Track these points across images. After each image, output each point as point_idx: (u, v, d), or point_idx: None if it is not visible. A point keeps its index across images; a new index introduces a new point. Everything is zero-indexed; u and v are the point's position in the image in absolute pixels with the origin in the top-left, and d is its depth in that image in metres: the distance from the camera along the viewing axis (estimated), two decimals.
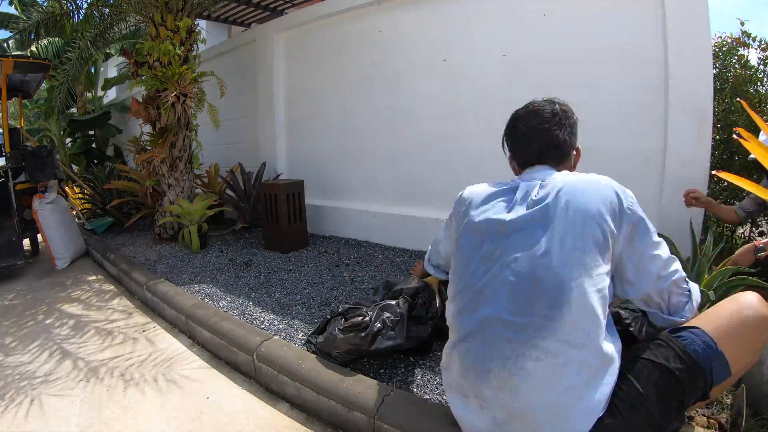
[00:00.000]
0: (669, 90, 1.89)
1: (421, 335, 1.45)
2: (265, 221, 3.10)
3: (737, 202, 1.80)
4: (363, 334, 1.37)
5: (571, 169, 1.07)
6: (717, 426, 1.12)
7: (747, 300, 0.92)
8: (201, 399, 1.49)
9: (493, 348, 0.86)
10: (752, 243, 1.43)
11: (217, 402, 1.47)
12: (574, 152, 1.08)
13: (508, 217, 0.93)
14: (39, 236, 3.39)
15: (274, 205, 2.98)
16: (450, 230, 1.16)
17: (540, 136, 1.03)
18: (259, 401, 1.47)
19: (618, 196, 0.91)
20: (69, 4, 3.34)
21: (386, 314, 1.42)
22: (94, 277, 2.98)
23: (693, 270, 1.57)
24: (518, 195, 0.97)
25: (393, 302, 1.49)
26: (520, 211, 0.93)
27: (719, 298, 1.47)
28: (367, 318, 1.41)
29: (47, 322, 2.22)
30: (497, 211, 0.96)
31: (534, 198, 0.93)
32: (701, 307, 1.07)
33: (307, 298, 2.14)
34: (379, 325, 1.39)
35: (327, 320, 1.57)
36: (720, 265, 1.54)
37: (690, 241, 1.66)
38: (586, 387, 0.81)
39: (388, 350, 1.40)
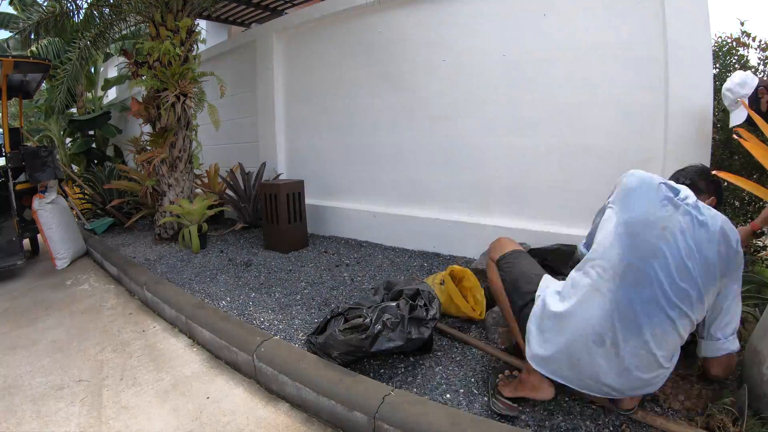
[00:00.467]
0: (669, 90, 1.89)
1: (422, 336, 1.45)
2: (265, 221, 3.10)
3: None
4: (363, 336, 1.37)
5: None
6: (720, 427, 1.12)
7: None
8: (201, 399, 1.49)
9: None
10: (749, 225, 1.57)
11: (218, 402, 1.47)
12: (707, 198, 1.29)
13: None
14: (39, 236, 3.39)
15: (274, 204, 2.98)
16: None
17: (685, 169, 1.38)
18: (259, 401, 1.47)
19: None
20: (69, 4, 3.34)
21: (387, 315, 1.42)
22: (94, 277, 2.98)
23: None
24: None
25: (393, 303, 1.48)
26: None
27: None
28: (368, 320, 1.41)
29: (47, 322, 2.22)
30: None
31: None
32: None
33: (307, 298, 2.14)
34: (379, 326, 1.38)
35: (327, 320, 1.57)
36: None
37: None
38: None
39: (388, 352, 1.40)
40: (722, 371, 1.20)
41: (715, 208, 1.20)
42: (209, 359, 1.76)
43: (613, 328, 1.03)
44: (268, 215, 3.05)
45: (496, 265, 1.41)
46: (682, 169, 1.38)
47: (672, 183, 1.15)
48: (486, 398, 1.29)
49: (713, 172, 1.36)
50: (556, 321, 1.11)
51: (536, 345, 1.14)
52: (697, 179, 1.31)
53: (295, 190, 3.04)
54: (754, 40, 2.26)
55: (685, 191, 1.12)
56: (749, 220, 2.20)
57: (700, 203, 1.10)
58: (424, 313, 1.47)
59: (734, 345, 1.13)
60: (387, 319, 1.40)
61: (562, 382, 1.11)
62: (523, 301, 1.24)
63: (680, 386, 1.29)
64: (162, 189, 3.44)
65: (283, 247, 3.01)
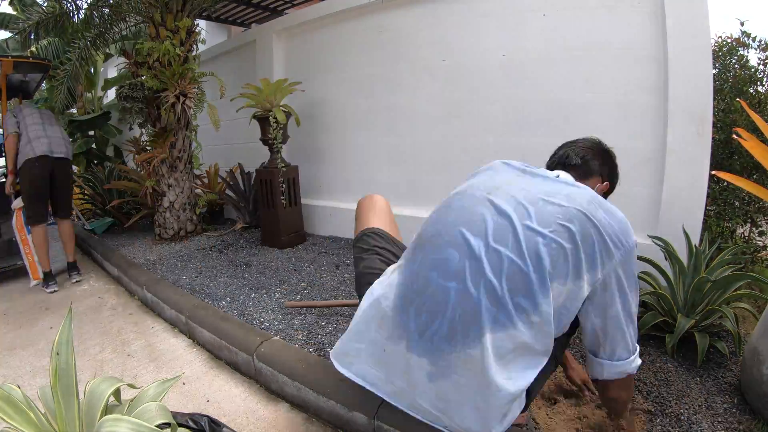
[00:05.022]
0: (669, 90, 1.89)
1: None
2: (262, 207, 3.15)
3: None
4: None
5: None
6: None
7: None
8: (201, 399, 1.49)
9: None
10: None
11: (218, 402, 1.47)
12: (599, 182, 1.13)
13: None
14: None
15: (269, 189, 3.04)
16: None
17: (573, 145, 1.16)
18: (259, 401, 1.47)
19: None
20: (69, 5, 3.34)
21: None
22: (94, 277, 2.98)
23: (690, 269, 1.58)
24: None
25: None
26: None
27: (720, 293, 1.49)
28: None
29: (47, 322, 2.22)
30: None
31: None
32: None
33: (307, 298, 2.14)
34: None
35: None
36: (715, 261, 1.56)
37: (685, 242, 1.67)
38: None
39: None
40: (625, 392, 1.02)
41: (605, 196, 1.11)
42: (209, 359, 1.76)
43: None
44: (264, 200, 3.10)
45: (353, 244, 1.28)
46: (572, 143, 1.18)
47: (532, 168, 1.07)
48: None
49: (713, 172, 1.34)
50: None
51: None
52: (590, 158, 1.12)
53: (290, 176, 3.10)
54: (754, 40, 2.27)
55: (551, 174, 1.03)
56: (749, 220, 2.21)
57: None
58: None
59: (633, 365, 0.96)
60: None
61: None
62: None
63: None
64: (162, 189, 3.44)
65: (281, 241, 3.04)
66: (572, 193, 0.93)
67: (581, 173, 1.11)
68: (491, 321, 0.85)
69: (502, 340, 0.85)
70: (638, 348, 0.97)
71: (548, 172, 1.08)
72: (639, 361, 0.97)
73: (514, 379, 0.87)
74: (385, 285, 1.03)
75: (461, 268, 0.88)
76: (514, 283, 0.85)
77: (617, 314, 0.90)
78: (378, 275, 1.11)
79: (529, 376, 0.88)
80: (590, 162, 1.12)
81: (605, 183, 1.15)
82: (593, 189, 1.04)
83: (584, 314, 0.92)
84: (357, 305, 1.15)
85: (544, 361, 0.90)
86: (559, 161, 1.16)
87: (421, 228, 1.06)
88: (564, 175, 1.07)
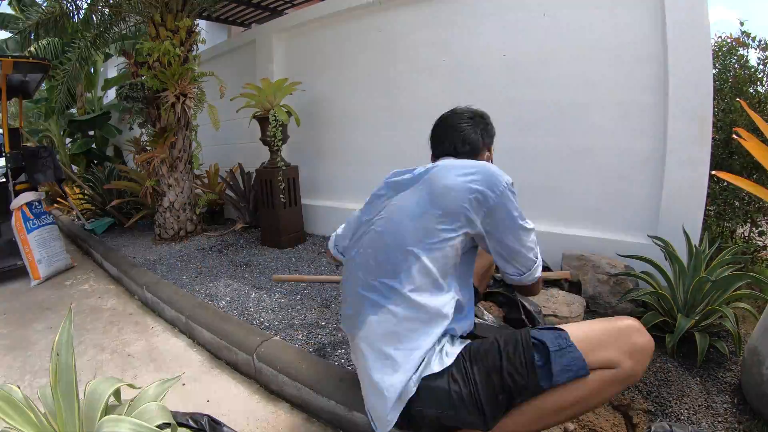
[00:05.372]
0: (669, 90, 1.89)
1: None
2: (262, 207, 3.15)
3: None
4: None
5: None
6: None
7: (625, 321, 0.94)
8: (201, 399, 1.48)
9: None
10: None
11: (218, 402, 1.47)
12: (487, 152, 1.21)
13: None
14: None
15: (269, 189, 3.04)
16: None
17: (454, 132, 1.18)
18: (259, 401, 1.47)
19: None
20: (69, 5, 3.34)
21: None
22: (94, 278, 2.98)
23: (690, 269, 1.58)
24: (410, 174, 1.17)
25: None
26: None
27: (720, 293, 1.49)
28: None
29: (47, 322, 2.22)
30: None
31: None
32: None
33: (307, 298, 2.14)
34: None
35: None
36: (715, 261, 1.56)
37: (685, 242, 1.67)
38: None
39: None
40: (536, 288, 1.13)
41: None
42: (209, 359, 1.76)
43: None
44: (264, 200, 3.10)
45: None
46: (452, 129, 1.21)
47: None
48: None
49: (713, 172, 1.34)
50: None
51: None
52: (475, 138, 1.18)
53: (290, 176, 3.10)
54: (753, 40, 2.27)
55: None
56: (749, 220, 2.21)
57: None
58: None
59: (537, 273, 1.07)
60: None
61: None
62: None
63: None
64: (162, 189, 3.44)
65: (280, 241, 3.04)
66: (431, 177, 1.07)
67: (471, 156, 1.17)
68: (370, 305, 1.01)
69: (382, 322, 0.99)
70: (538, 260, 1.07)
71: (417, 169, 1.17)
72: (539, 272, 1.08)
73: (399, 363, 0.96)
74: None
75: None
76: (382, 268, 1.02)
77: (512, 243, 1.02)
78: None
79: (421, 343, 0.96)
80: (476, 142, 1.18)
81: (490, 152, 1.24)
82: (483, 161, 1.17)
83: (490, 250, 1.04)
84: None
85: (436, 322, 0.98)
86: (447, 152, 1.20)
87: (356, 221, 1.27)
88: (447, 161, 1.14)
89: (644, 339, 0.90)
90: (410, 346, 0.95)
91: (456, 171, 1.02)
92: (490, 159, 1.22)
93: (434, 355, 0.95)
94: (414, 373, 0.93)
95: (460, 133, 1.17)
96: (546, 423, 0.92)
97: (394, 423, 0.95)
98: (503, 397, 0.89)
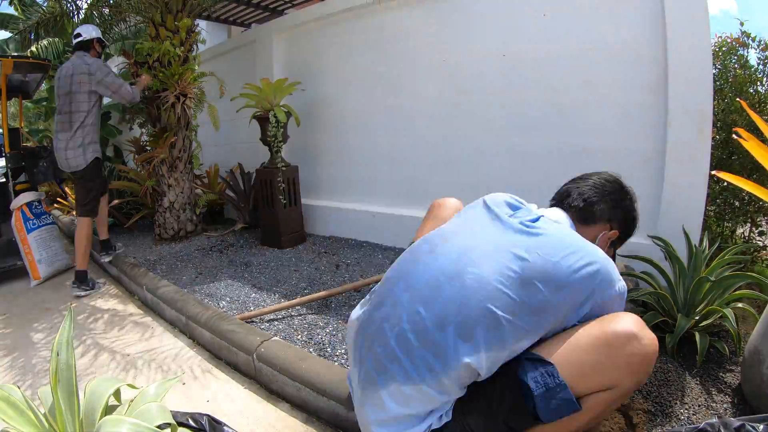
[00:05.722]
0: (669, 90, 1.89)
1: None
2: (262, 207, 3.15)
3: None
4: None
5: (593, 240, 0.96)
6: None
7: (620, 327, 0.84)
8: (201, 400, 1.48)
9: None
10: None
11: (218, 402, 1.47)
12: (604, 228, 1.00)
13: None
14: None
15: (269, 189, 3.04)
16: None
17: (582, 186, 1.04)
18: (259, 401, 1.47)
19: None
20: (69, 5, 3.34)
21: None
22: (94, 278, 2.97)
23: (690, 269, 1.58)
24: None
25: None
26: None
27: (720, 293, 1.49)
28: None
29: (47, 323, 2.22)
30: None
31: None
32: None
33: None
34: None
35: None
36: (715, 261, 1.56)
37: (685, 242, 1.67)
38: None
39: None
40: None
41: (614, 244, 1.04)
42: (209, 359, 1.76)
43: None
44: (264, 200, 3.11)
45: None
46: (582, 178, 1.08)
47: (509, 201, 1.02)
48: None
49: (713, 172, 1.33)
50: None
51: None
52: (596, 200, 1.01)
53: (290, 175, 3.10)
54: (753, 40, 2.27)
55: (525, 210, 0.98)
56: (749, 220, 2.21)
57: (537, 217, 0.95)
58: None
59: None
60: None
61: None
62: None
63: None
64: (162, 189, 3.44)
65: (281, 241, 3.04)
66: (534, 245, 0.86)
67: (581, 217, 1.00)
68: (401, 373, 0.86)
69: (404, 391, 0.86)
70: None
71: (528, 212, 0.98)
72: None
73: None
74: (357, 310, 1.06)
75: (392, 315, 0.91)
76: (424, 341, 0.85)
77: None
78: None
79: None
80: (595, 205, 1.00)
81: (613, 231, 1.02)
82: (596, 237, 0.99)
83: None
84: (311, 301, 1.36)
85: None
86: (559, 198, 1.06)
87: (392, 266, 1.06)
88: (555, 214, 0.99)
89: (642, 348, 0.81)
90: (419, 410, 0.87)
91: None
92: (605, 240, 1.02)
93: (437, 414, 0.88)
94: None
95: (584, 186, 1.03)
96: None
97: None
98: None
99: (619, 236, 1.04)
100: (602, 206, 1.00)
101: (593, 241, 0.96)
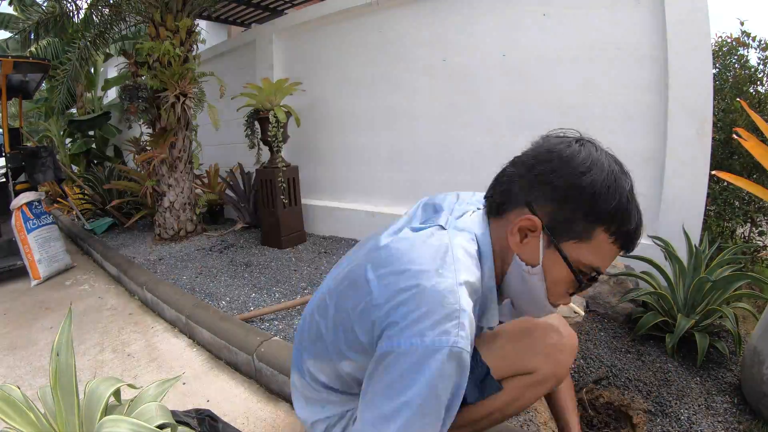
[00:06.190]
0: (669, 90, 1.89)
1: None
2: (263, 207, 3.15)
3: None
4: None
5: (505, 237, 0.71)
6: None
7: (543, 321, 0.87)
8: (201, 400, 1.48)
9: None
10: None
11: (218, 402, 1.47)
12: (520, 220, 0.68)
13: None
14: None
15: (270, 189, 3.05)
16: None
17: (504, 171, 0.76)
18: (259, 401, 1.47)
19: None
20: (69, 5, 3.34)
21: None
22: (94, 277, 2.98)
23: (690, 269, 1.58)
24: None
25: None
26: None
27: (720, 293, 1.49)
28: None
29: (46, 322, 2.22)
30: None
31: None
32: None
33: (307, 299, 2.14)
34: None
35: None
36: (715, 261, 1.56)
37: (685, 242, 1.67)
38: None
39: None
40: None
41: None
42: (209, 359, 1.76)
43: None
44: (265, 200, 3.11)
45: None
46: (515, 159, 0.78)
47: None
48: None
49: (713, 172, 1.33)
50: None
51: None
52: (514, 180, 0.72)
53: (290, 175, 3.11)
54: (753, 40, 2.27)
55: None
56: (749, 220, 2.21)
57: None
58: None
59: None
60: None
61: None
62: None
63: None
64: (162, 189, 3.44)
65: (281, 241, 3.04)
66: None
67: (492, 208, 0.75)
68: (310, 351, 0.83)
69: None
70: None
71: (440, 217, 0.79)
72: None
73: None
74: None
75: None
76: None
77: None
78: None
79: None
80: (511, 185, 0.72)
81: (525, 218, 0.68)
82: (498, 233, 0.73)
83: None
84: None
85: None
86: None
87: None
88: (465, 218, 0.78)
89: (560, 338, 0.85)
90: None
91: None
92: (513, 235, 0.70)
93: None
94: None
95: (503, 176, 0.76)
96: None
97: None
98: None
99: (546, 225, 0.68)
100: (519, 185, 0.70)
101: (504, 240, 0.72)
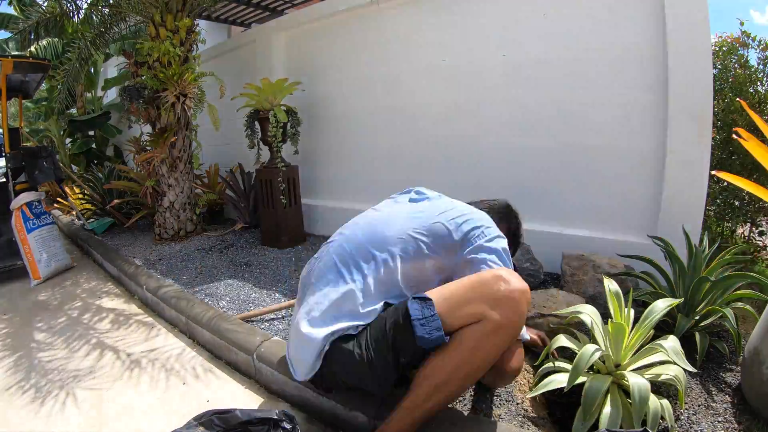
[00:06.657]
0: (669, 90, 1.89)
1: None
2: (262, 207, 3.15)
3: None
4: None
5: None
6: None
7: (492, 272, 1.03)
8: (201, 399, 1.49)
9: None
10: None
11: (218, 402, 1.47)
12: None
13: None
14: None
15: (269, 189, 3.05)
16: None
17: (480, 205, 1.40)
18: (259, 401, 1.47)
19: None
20: (68, 5, 3.34)
21: None
22: (94, 277, 2.98)
23: (690, 269, 1.58)
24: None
25: None
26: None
27: (720, 293, 1.49)
28: None
29: (46, 322, 2.22)
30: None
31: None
32: None
33: None
34: None
35: None
36: (715, 261, 1.56)
37: (685, 242, 1.67)
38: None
39: None
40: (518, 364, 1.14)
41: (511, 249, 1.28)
42: (209, 359, 1.76)
43: None
44: (264, 200, 3.11)
45: None
46: (477, 203, 1.44)
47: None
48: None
49: (713, 172, 1.33)
50: None
51: None
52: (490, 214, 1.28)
53: (290, 175, 3.11)
54: (754, 40, 2.27)
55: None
56: (749, 220, 2.21)
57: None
58: None
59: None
60: None
61: None
62: None
63: None
64: (162, 189, 3.44)
65: (281, 241, 3.04)
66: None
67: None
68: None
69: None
70: None
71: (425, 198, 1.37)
72: None
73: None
74: None
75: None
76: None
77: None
78: None
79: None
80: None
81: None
82: None
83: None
84: None
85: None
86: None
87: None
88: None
89: (508, 286, 0.94)
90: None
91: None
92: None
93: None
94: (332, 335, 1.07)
95: (480, 205, 1.40)
96: (444, 393, 0.98)
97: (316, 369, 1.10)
98: (391, 356, 0.99)
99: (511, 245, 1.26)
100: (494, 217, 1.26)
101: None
